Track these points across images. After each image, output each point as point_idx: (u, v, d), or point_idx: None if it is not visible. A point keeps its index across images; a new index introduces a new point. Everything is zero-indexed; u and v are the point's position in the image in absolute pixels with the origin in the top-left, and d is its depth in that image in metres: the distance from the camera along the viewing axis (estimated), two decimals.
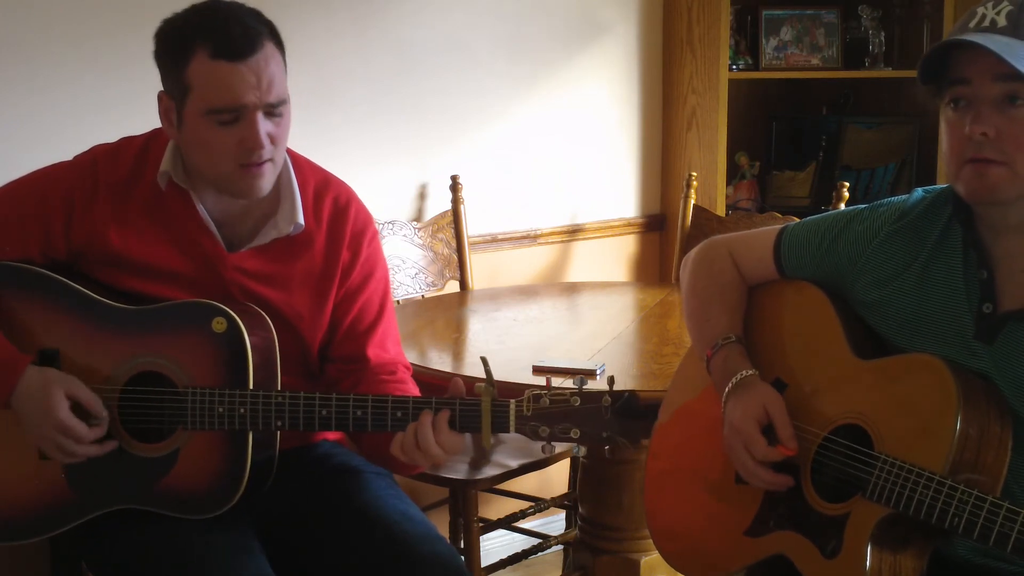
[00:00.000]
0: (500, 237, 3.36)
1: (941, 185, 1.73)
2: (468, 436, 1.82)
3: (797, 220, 1.91)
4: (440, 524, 2.42)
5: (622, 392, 1.71)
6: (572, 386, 1.72)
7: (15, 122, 2.55)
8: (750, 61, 3.64)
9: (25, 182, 1.97)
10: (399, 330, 2.11)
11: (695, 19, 3.52)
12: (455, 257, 3.19)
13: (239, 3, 1.84)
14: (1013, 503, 1.46)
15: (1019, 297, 1.60)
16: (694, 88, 3.55)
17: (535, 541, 3.14)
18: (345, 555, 1.90)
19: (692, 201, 3.35)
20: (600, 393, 1.71)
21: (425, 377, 2.24)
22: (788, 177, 3.84)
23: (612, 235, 3.60)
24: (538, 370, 2.19)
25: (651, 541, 1.96)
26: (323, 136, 2.96)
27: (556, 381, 1.80)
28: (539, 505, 3.08)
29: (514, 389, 1.78)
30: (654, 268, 3.71)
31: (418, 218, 3.21)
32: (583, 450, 1.74)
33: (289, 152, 1.97)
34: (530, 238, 3.42)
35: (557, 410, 1.72)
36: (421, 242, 3.13)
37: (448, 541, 1.93)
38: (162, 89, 1.85)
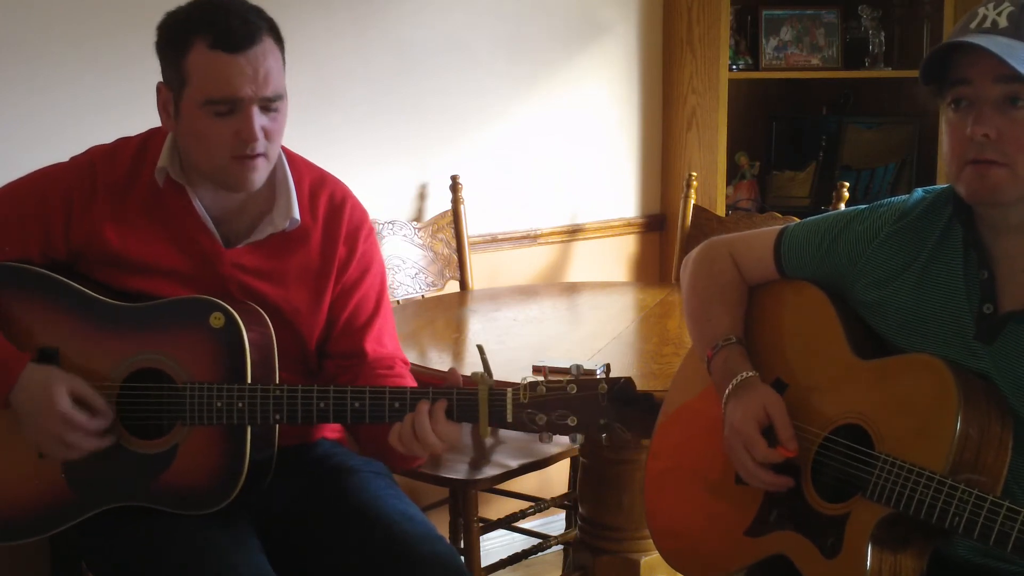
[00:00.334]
0: (500, 237, 3.36)
1: (941, 185, 1.73)
2: (467, 431, 1.83)
3: (797, 220, 1.91)
4: (440, 524, 2.42)
5: (618, 379, 1.71)
6: (570, 376, 1.73)
7: (15, 122, 2.55)
8: (750, 61, 3.64)
9: (24, 183, 1.97)
10: (399, 330, 2.12)
11: (695, 19, 3.52)
12: (455, 257, 3.19)
13: (240, 2, 1.84)
14: (1013, 503, 1.46)
15: (1019, 297, 1.60)
16: (694, 88, 3.55)
17: (535, 541, 3.14)
18: (345, 554, 1.90)
19: (692, 201, 3.35)
20: (596, 380, 1.71)
21: (425, 377, 2.24)
22: (788, 177, 3.84)
23: (612, 235, 3.60)
24: (538, 370, 2.19)
25: (651, 541, 1.96)
26: (323, 136, 2.96)
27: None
28: (539, 505, 3.08)
29: (515, 387, 1.78)
30: (654, 268, 3.71)
31: (418, 218, 3.21)
32: (580, 438, 1.74)
33: (284, 150, 1.98)
34: (530, 238, 3.42)
35: (554, 398, 1.72)
36: (421, 242, 3.13)
37: (448, 541, 1.93)
38: (161, 80, 1.87)
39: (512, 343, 2.51)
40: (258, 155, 1.83)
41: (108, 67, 2.64)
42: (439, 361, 2.42)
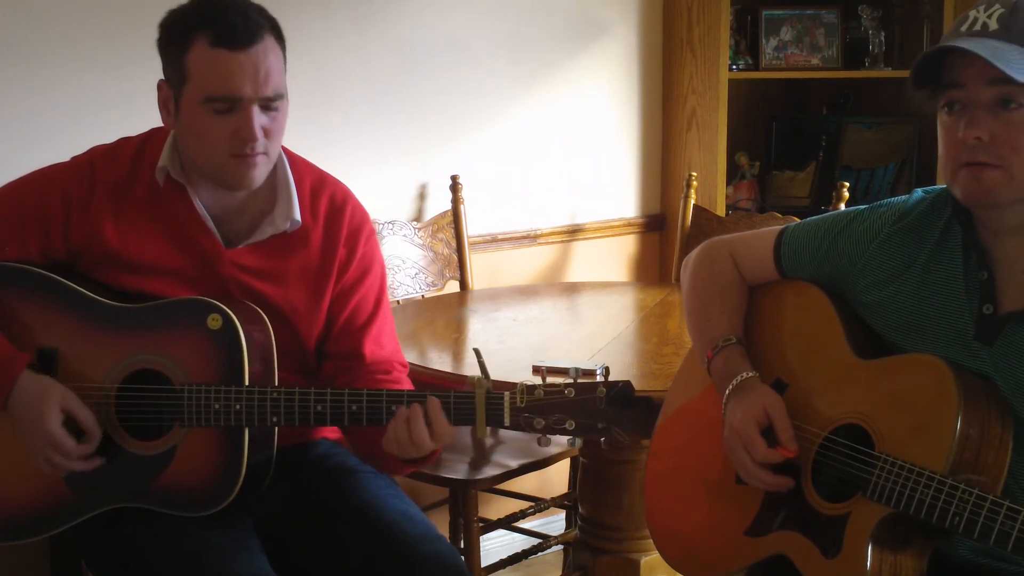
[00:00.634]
0: (500, 237, 3.36)
1: (941, 186, 1.73)
2: (466, 431, 1.83)
3: (797, 220, 1.91)
4: (440, 524, 2.42)
5: (616, 382, 1.71)
6: (568, 379, 1.73)
7: (15, 122, 2.55)
8: (750, 61, 3.64)
9: (24, 182, 1.97)
10: (399, 330, 2.11)
11: (695, 19, 3.52)
12: (455, 257, 3.19)
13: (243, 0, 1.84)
14: (1013, 503, 1.46)
15: (1019, 298, 1.60)
16: (694, 88, 3.55)
17: (535, 541, 3.14)
18: (345, 554, 1.90)
19: (692, 201, 3.34)
20: (594, 384, 1.71)
21: (425, 377, 2.24)
22: (788, 177, 3.84)
23: (612, 235, 3.60)
24: (538, 370, 2.19)
25: (651, 541, 1.96)
26: (323, 136, 2.96)
27: (556, 381, 1.80)
28: (539, 505, 3.08)
29: (514, 387, 1.77)
30: (654, 268, 3.71)
31: (418, 218, 3.21)
32: (579, 441, 1.74)
33: (285, 151, 1.97)
34: (530, 238, 3.42)
35: (551, 402, 1.72)
36: (421, 242, 3.13)
37: (448, 541, 1.93)
38: (162, 78, 1.87)
39: (512, 343, 2.51)
40: (257, 153, 1.83)
41: (108, 67, 2.64)
42: (439, 361, 2.42)
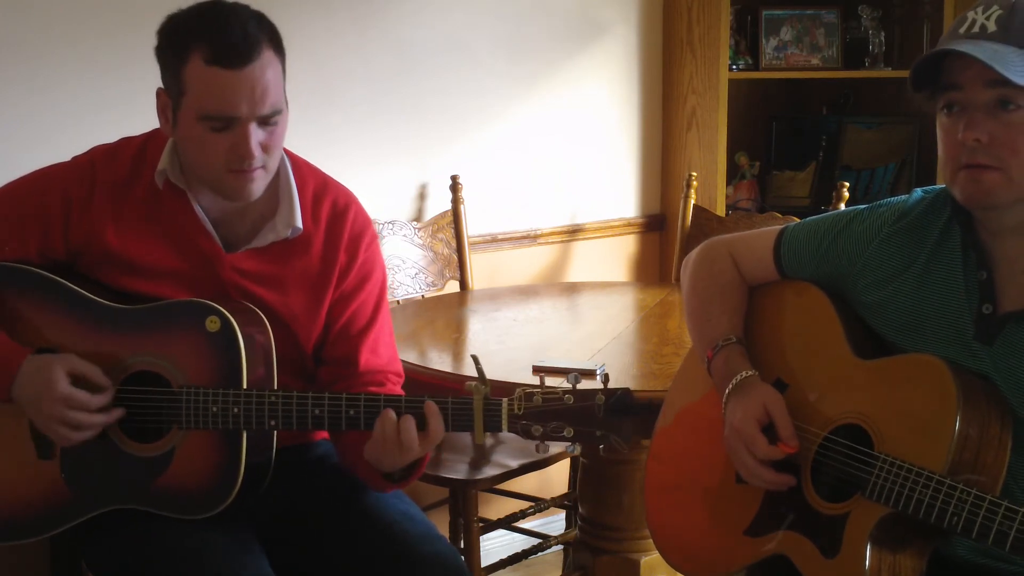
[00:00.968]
0: (500, 237, 3.36)
1: (940, 185, 1.73)
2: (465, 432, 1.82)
3: (797, 220, 1.91)
4: (440, 524, 2.42)
5: (615, 390, 1.71)
6: (567, 385, 1.72)
7: (15, 122, 2.55)
8: (750, 61, 3.64)
9: (24, 182, 1.97)
10: (399, 330, 2.11)
11: (695, 19, 3.52)
12: (455, 257, 3.19)
13: (243, 7, 1.82)
14: (1012, 502, 1.46)
15: (1019, 298, 1.60)
16: (694, 88, 3.55)
17: (535, 541, 3.14)
18: (345, 555, 1.90)
19: (692, 201, 3.34)
20: (593, 391, 1.71)
21: (424, 377, 2.24)
22: (788, 177, 3.84)
23: (612, 235, 3.60)
24: (538, 370, 2.19)
25: (651, 541, 1.96)
26: (323, 136, 2.96)
27: (555, 382, 1.80)
28: (539, 505, 3.08)
29: (513, 389, 1.77)
30: (654, 268, 3.71)
31: (418, 218, 3.21)
32: (578, 448, 1.74)
33: (289, 154, 1.97)
34: (530, 238, 3.42)
35: (550, 409, 1.71)
36: (421, 242, 3.13)
37: (448, 541, 1.93)
38: (161, 86, 1.85)
39: (512, 343, 2.51)
40: (255, 168, 1.81)
41: (108, 67, 2.64)
42: (439, 361, 2.42)
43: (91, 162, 1.93)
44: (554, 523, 3.44)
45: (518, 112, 3.35)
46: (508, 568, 3.03)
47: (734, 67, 3.56)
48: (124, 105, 2.57)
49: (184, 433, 1.83)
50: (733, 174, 3.72)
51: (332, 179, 2.03)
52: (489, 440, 2.90)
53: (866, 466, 1.60)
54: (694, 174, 3.38)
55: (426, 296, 3.10)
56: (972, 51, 1.52)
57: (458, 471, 2.73)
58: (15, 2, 2.54)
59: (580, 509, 2.71)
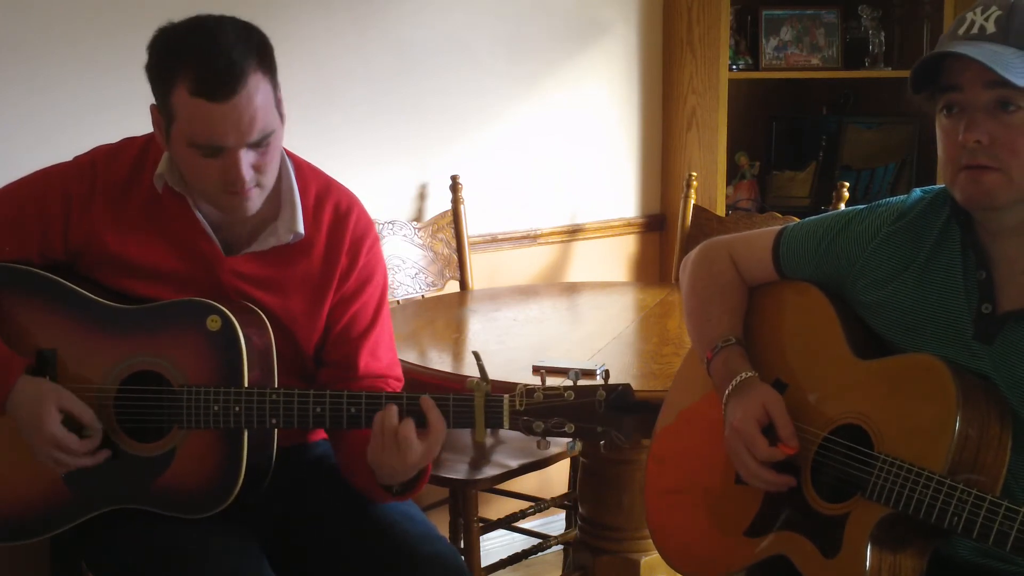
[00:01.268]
0: (500, 237, 3.36)
1: (939, 185, 1.73)
2: (465, 431, 1.82)
3: (797, 220, 1.91)
4: (440, 524, 2.42)
5: (616, 386, 1.71)
6: (567, 382, 1.73)
7: (15, 122, 2.55)
8: (750, 61, 3.64)
9: (25, 183, 1.96)
10: (399, 331, 2.11)
11: (695, 19, 3.52)
12: (455, 257, 3.19)
13: (231, 22, 1.78)
14: (1012, 502, 1.46)
15: (1018, 298, 1.60)
16: (694, 88, 3.55)
17: (535, 541, 3.14)
18: (345, 555, 1.90)
19: (692, 201, 3.34)
20: (594, 387, 1.71)
21: (424, 377, 2.24)
22: (788, 177, 3.84)
23: (612, 235, 3.60)
24: (538, 370, 2.19)
25: (651, 541, 1.96)
26: (323, 136, 2.96)
27: (555, 382, 1.80)
28: (539, 505, 3.08)
29: (514, 388, 1.77)
30: (654, 268, 3.71)
31: (418, 218, 3.21)
32: (579, 445, 1.74)
33: (292, 156, 1.96)
34: (530, 238, 3.42)
35: (551, 405, 1.72)
36: (421, 242, 3.13)
37: (448, 541, 1.93)
38: (153, 103, 1.83)
39: (512, 343, 2.51)
40: (249, 189, 1.80)
41: (108, 67, 2.64)
42: (439, 361, 2.42)
43: (92, 163, 1.93)
44: (554, 523, 3.44)
45: (518, 112, 3.35)
46: (508, 568, 3.03)
47: (734, 67, 3.56)
48: (124, 105, 2.57)
49: (185, 433, 1.83)
50: (733, 174, 3.72)
51: (335, 181, 2.02)
52: (489, 440, 2.90)
53: (866, 466, 1.60)
54: (694, 174, 3.38)
55: (426, 296, 3.10)
56: (972, 53, 1.52)
57: (458, 471, 2.73)
58: (15, 2, 2.54)
59: (580, 509, 2.71)
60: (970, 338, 1.62)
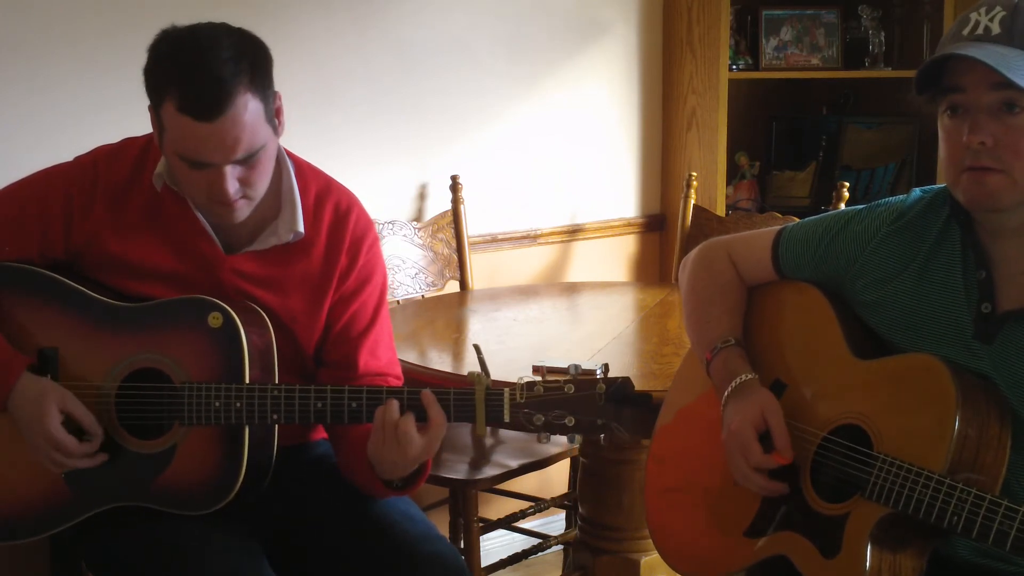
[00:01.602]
0: (500, 237, 3.36)
1: (939, 185, 1.73)
2: (465, 431, 1.82)
3: (796, 220, 1.91)
4: (440, 524, 2.42)
5: (615, 379, 1.71)
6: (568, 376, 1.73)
7: (15, 122, 2.56)
8: (750, 61, 3.64)
9: (26, 183, 1.97)
10: (399, 331, 2.11)
11: (695, 19, 3.52)
12: (455, 257, 3.19)
13: (228, 34, 1.77)
14: (1012, 502, 1.46)
15: (1018, 297, 1.60)
16: (694, 88, 3.55)
17: (535, 541, 3.14)
18: (345, 555, 1.90)
19: (692, 201, 3.35)
20: (594, 381, 1.71)
21: (425, 377, 2.24)
22: (788, 177, 3.84)
23: (612, 235, 3.60)
24: (538, 370, 2.19)
25: (651, 541, 1.96)
26: (323, 136, 2.96)
27: None
28: (539, 505, 3.08)
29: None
30: (654, 268, 3.71)
31: (418, 218, 3.21)
32: (579, 439, 1.74)
33: (292, 157, 1.97)
34: (530, 238, 3.42)
35: (551, 398, 1.72)
36: (421, 242, 3.13)
37: (448, 541, 1.93)
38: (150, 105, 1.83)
39: (512, 343, 2.51)
40: (237, 200, 1.80)
41: (108, 67, 2.64)
42: (439, 361, 2.42)
43: (94, 163, 1.94)
44: (554, 523, 3.44)
45: (518, 112, 3.35)
46: (508, 568, 3.03)
47: (734, 67, 3.56)
48: (124, 105, 2.55)
49: (186, 430, 1.83)
50: (733, 174, 3.72)
51: (335, 181, 2.03)
52: (489, 440, 2.90)
53: (865, 466, 1.60)
54: (694, 174, 3.39)
55: (426, 296, 3.10)
56: (977, 55, 1.52)
57: (458, 471, 2.73)
58: (15, 2, 2.54)
59: (580, 509, 2.71)
60: (970, 338, 1.62)
